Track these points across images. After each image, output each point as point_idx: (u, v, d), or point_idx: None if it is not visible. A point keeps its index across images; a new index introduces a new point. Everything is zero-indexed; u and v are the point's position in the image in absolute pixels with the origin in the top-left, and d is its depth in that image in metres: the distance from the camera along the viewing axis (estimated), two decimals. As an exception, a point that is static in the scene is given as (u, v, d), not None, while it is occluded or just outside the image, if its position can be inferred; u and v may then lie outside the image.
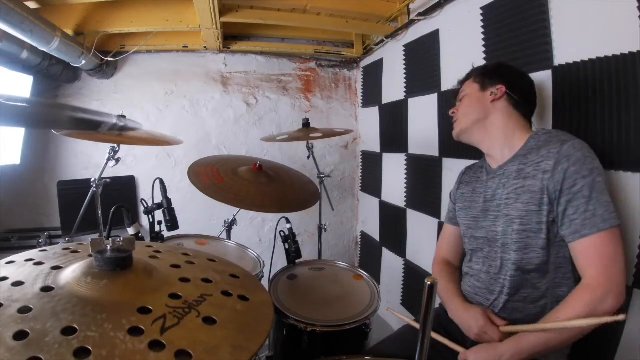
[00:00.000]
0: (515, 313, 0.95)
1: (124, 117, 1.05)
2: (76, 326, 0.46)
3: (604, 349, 0.99)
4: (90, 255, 0.61)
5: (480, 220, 1.05)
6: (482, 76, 1.08)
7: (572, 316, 0.78)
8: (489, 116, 1.03)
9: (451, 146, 1.72)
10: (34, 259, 0.64)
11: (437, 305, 1.21)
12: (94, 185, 1.50)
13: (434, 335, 0.95)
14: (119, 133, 1.29)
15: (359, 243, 2.97)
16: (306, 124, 1.90)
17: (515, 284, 0.94)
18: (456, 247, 1.21)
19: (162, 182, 1.40)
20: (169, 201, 1.39)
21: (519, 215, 0.92)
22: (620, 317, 0.72)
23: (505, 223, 0.96)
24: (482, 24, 1.47)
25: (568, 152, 0.85)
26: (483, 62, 1.44)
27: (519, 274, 0.93)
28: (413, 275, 2.10)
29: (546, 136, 0.94)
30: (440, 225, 1.79)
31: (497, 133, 1.03)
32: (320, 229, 2.09)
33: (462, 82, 1.16)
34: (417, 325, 0.99)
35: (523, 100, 1.02)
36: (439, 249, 1.26)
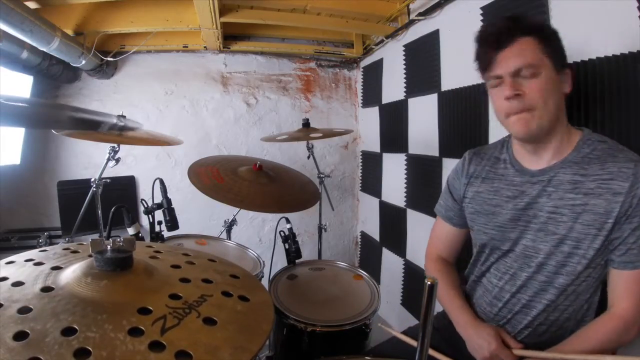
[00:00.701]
0: (535, 337, 0.89)
1: (124, 117, 1.05)
2: (76, 327, 0.46)
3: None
4: (90, 256, 0.61)
5: (508, 230, 0.91)
6: (553, 50, 0.80)
7: (597, 342, 0.77)
8: (561, 111, 0.84)
9: (451, 146, 1.72)
10: (34, 259, 0.64)
11: (437, 310, 1.18)
12: (94, 185, 1.50)
13: (437, 354, 0.87)
14: (119, 133, 1.29)
15: (359, 243, 2.97)
16: (306, 124, 1.90)
17: (549, 308, 0.86)
18: (455, 248, 1.12)
19: (162, 182, 1.40)
20: (169, 201, 1.39)
21: (576, 237, 0.81)
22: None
23: (552, 242, 0.83)
24: (482, 24, 1.47)
25: None
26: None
27: (560, 299, 0.85)
28: (413, 275, 2.10)
29: (603, 145, 0.83)
30: (441, 225, 1.79)
31: (561, 133, 0.85)
32: (320, 229, 2.09)
33: (512, 34, 0.79)
34: (409, 340, 0.95)
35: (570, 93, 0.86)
36: (432, 245, 1.15)
